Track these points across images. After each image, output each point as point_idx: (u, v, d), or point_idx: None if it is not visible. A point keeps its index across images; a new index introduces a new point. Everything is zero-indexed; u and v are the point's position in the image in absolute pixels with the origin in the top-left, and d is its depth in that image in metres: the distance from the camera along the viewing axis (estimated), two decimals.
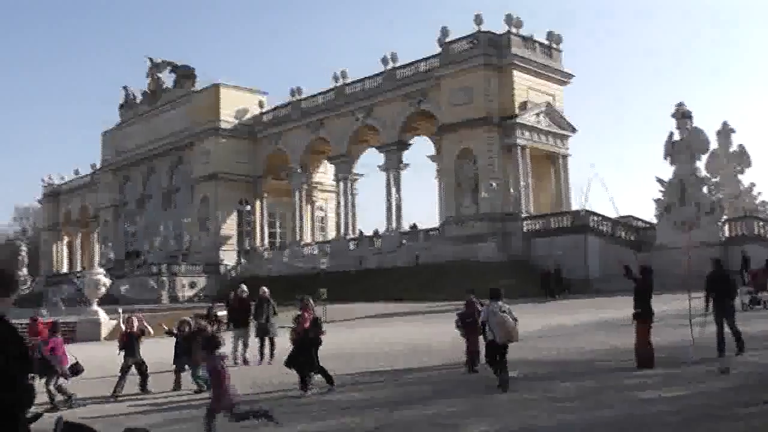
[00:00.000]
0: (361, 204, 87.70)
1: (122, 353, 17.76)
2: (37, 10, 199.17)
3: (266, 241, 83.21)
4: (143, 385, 17.43)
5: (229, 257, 79.03)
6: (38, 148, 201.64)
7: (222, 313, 38.10)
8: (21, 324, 25.23)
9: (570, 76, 66.23)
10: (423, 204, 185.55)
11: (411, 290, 50.64)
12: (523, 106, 60.63)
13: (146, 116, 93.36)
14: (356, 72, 73.51)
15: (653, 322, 15.91)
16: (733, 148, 54.46)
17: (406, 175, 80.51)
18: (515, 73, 60.86)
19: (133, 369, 17.50)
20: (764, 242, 43.24)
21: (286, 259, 74.43)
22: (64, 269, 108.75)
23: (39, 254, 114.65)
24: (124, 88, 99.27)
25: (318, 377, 15.78)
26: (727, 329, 16.54)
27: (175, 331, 18.31)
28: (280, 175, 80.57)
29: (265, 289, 23.33)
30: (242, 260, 78.61)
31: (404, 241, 66.16)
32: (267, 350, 22.10)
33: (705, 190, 46.40)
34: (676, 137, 46.54)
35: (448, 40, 63.10)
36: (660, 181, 47.40)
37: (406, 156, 70.27)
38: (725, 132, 54.63)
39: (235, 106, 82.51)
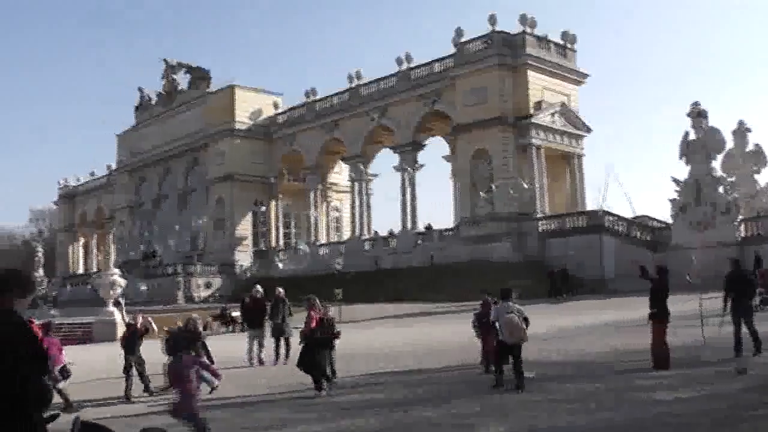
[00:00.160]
0: (375, 204, 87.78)
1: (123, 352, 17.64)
2: (52, 12, 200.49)
3: (281, 241, 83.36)
4: (146, 387, 17.30)
5: (244, 258, 79.18)
6: (54, 150, 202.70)
7: (236, 313, 38.23)
8: None
9: (585, 75, 66.13)
10: (438, 204, 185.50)
11: (426, 291, 50.55)
12: (538, 106, 60.51)
13: (161, 118, 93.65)
14: (371, 72, 73.68)
15: (669, 323, 15.83)
16: (749, 147, 54.05)
17: (421, 176, 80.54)
18: (530, 73, 60.76)
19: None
20: None
21: (301, 260, 74.51)
22: (80, 270, 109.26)
23: (55, 255, 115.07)
24: (140, 89, 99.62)
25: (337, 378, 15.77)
26: (744, 329, 16.41)
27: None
28: (295, 175, 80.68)
29: (281, 289, 23.35)
30: (257, 261, 78.72)
31: (419, 242, 66.17)
32: (282, 350, 22.15)
33: (721, 189, 46.12)
34: (692, 137, 46.31)
35: (462, 40, 63.09)
36: (675, 180, 47.19)
37: (421, 156, 70.39)
38: (741, 131, 54.26)
39: (250, 107, 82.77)
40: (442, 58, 66.12)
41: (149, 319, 18.54)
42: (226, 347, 28.18)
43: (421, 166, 70.19)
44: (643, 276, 16.18)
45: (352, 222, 77.05)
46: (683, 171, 47.07)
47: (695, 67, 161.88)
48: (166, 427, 10.46)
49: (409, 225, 68.07)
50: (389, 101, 70.04)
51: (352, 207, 77.16)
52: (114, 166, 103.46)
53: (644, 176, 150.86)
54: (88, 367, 23.42)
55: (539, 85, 61.26)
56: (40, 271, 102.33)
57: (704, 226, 42.16)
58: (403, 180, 69.14)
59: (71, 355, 17.59)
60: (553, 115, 61.88)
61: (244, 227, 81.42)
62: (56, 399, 12.92)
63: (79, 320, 44.60)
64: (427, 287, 51.70)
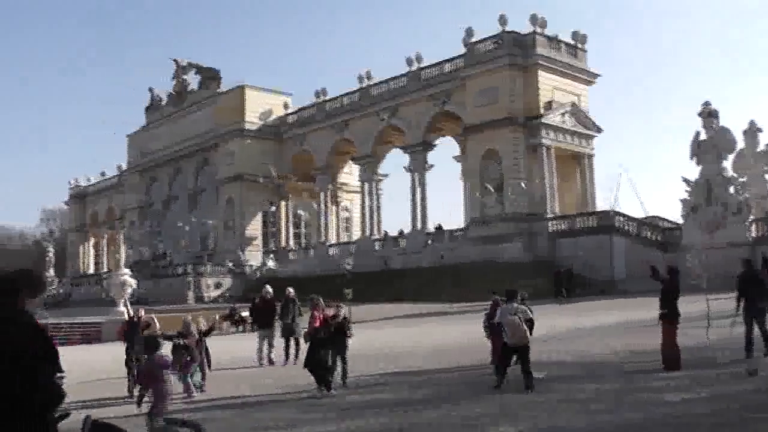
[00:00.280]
0: (385, 205, 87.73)
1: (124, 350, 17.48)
2: (62, 14, 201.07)
3: (291, 241, 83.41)
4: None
5: (254, 258, 79.22)
6: (65, 150, 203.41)
7: (245, 313, 38.31)
8: None
9: (595, 75, 66.01)
10: (447, 204, 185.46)
11: (436, 291, 50.55)
12: (549, 106, 60.43)
13: (172, 118, 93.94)
14: (381, 73, 73.68)
15: (679, 323, 15.78)
16: (761, 147, 53.68)
17: (431, 176, 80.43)
18: (540, 73, 60.69)
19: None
20: None
21: (311, 260, 74.60)
22: (91, 270, 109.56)
23: (66, 255, 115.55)
24: (150, 90, 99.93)
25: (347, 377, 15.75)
26: (756, 331, 16.32)
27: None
28: (305, 175, 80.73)
29: (291, 289, 23.33)
30: (267, 261, 78.76)
31: (429, 242, 66.16)
32: (292, 350, 22.17)
33: (732, 190, 45.89)
34: (703, 137, 46.07)
35: (473, 40, 63.06)
36: (686, 181, 46.93)
37: (431, 157, 70.36)
38: (752, 131, 53.94)
39: (260, 107, 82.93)
40: (453, 59, 66.07)
41: (152, 316, 18.52)
42: (236, 347, 28.27)
43: (431, 166, 70.20)
44: (654, 277, 16.13)
45: (362, 222, 77.06)
46: (694, 171, 46.92)
47: (706, 67, 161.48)
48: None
49: (419, 225, 68.05)
50: (399, 101, 70.05)
51: (362, 207, 77.18)
52: (124, 166, 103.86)
53: (655, 177, 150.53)
54: (89, 367, 23.51)
55: (550, 85, 61.17)
56: (51, 271, 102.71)
57: (715, 227, 41.88)
58: (413, 180, 69.15)
59: (74, 355, 17.53)
60: (563, 115, 61.77)
61: (254, 227, 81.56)
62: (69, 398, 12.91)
63: (86, 320, 44.77)
64: (437, 287, 51.68)
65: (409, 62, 69.48)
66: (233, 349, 27.39)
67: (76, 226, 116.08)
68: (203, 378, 17.35)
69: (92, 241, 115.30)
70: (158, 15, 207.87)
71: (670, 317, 15.61)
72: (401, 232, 70.93)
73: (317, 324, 16.08)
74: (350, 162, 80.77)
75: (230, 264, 76.49)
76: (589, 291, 46.44)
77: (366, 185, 75.53)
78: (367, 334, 28.53)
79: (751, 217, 45.90)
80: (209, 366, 17.88)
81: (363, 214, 76.74)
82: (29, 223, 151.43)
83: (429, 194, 69.31)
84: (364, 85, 74.63)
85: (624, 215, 53.27)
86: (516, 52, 60.61)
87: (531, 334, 15.28)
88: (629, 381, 14.53)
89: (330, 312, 16.60)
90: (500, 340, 16.30)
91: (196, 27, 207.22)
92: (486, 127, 60.33)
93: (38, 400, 4.49)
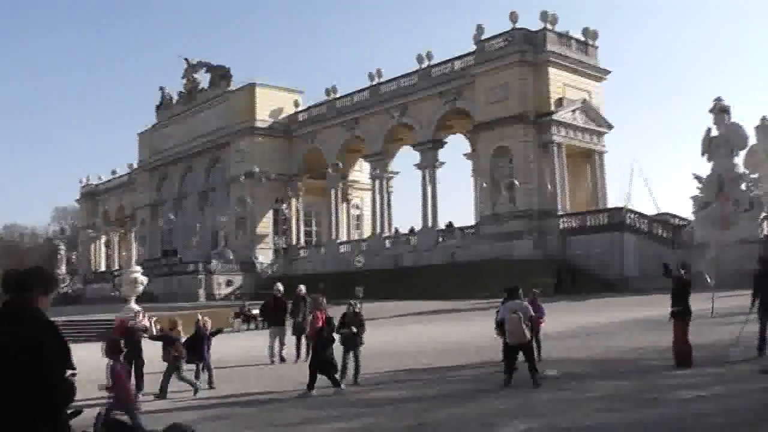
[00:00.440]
0: (396, 202, 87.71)
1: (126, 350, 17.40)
2: (73, 13, 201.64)
3: (302, 239, 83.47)
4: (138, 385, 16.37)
5: (265, 255, 79.38)
6: (76, 149, 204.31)
7: (255, 311, 38.38)
8: None
9: (606, 72, 65.79)
10: (459, 202, 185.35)
11: (447, 288, 50.54)
12: (559, 103, 60.26)
13: (183, 116, 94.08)
14: (391, 70, 73.89)
15: (691, 320, 15.71)
16: None
17: (442, 173, 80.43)
18: (551, 69, 60.51)
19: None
20: None
21: (322, 258, 74.66)
22: (102, 268, 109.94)
23: (77, 253, 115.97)
24: (161, 88, 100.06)
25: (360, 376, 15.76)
26: None
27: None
28: (316, 173, 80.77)
29: (302, 287, 23.37)
30: (278, 259, 78.85)
31: (440, 240, 66.12)
32: (303, 348, 22.15)
33: (743, 186, 45.73)
34: (714, 133, 45.92)
35: (483, 37, 62.99)
36: (697, 177, 46.78)
37: (442, 154, 70.27)
38: (764, 127, 53.50)
39: (270, 105, 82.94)
40: (463, 56, 66.00)
41: (153, 320, 18.50)
42: (247, 344, 28.32)
43: (442, 163, 70.14)
44: (666, 274, 16.06)
45: (373, 220, 77.06)
46: (706, 168, 46.74)
47: (718, 63, 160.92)
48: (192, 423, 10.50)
49: (430, 223, 68.00)
50: (410, 99, 69.97)
51: (373, 205, 77.21)
52: (135, 165, 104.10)
53: (667, 173, 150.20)
54: (88, 366, 23.54)
55: (560, 82, 61.00)
56: (63, 269, 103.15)
57: (724, 225, 41.70)
58: (424, 178, 69.10)
59: (85, 352, 17.50)
60: (574, 112, 61.59)
61: (265, 225, 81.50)
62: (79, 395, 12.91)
63: (99, 317, 44.84)
64: (448, 285, 51.68)
65: (420, 60, 69.44)
66: (245, 347, 27.46)
67: (87, 224, 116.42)
68: (210, 377, 17.35)
69: (104, 239, 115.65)
70: (168, 14, 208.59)
71: (682, 314, 15.54)
72: (412, 230, 70.94)
73: (319, 324, 16.07)
74: (361, 160, 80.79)
75: (241, 262, 76.65)
76: (595, 288, 46.27)
77: (377, 183, 75.51)
78: (378, 331, 28.51)
79: (763, 213, 45.68)
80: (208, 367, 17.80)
81: (374, 212, 76.73)
82: (41, 221, 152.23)
83: (440, 192, 69.39)
84: (374, 83, 74.63)
85: (635, 212, 53.09)
86: (526, 49, 60.45)
87: (533, 332, 15.27)
88: (642, 378, 14.46)
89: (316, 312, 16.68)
90: None
91: (206, 26, 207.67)
92: (496, 124, 60.23)
93: (51, 397, 4.50)
